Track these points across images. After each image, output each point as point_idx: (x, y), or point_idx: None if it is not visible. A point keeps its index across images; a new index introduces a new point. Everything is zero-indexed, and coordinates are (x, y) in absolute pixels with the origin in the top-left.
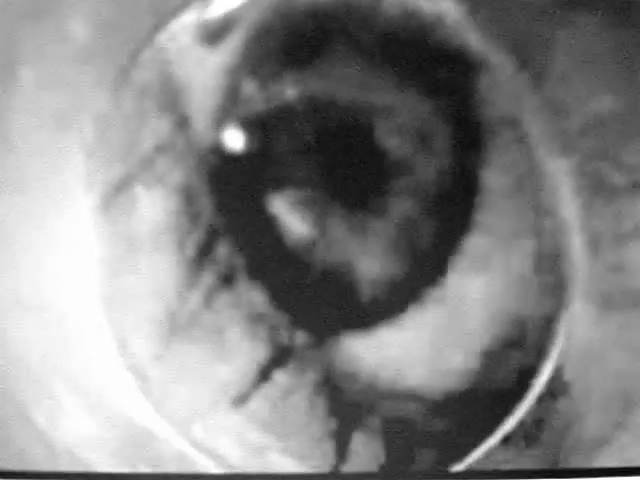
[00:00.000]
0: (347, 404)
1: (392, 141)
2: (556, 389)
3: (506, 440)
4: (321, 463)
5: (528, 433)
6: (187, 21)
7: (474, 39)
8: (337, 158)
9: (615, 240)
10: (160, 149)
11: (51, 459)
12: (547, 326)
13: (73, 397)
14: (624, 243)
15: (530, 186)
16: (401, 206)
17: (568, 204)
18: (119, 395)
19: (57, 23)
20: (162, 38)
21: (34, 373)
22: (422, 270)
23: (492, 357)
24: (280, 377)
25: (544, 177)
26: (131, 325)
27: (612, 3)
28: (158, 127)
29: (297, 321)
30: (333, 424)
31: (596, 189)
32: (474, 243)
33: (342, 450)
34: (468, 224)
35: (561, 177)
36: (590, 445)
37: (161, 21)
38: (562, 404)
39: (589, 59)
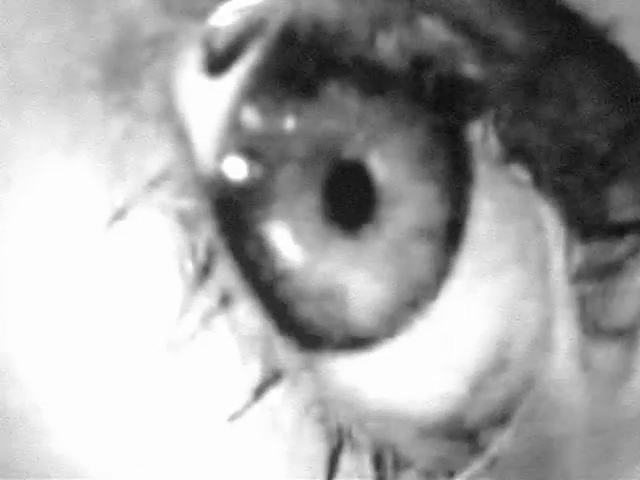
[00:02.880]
0: (337, 425)
1: (385, 170)
2: (537, 414)
3: (492, 464)
4: None
5: (512, 456)
6: (190, 51)
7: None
8: (333, 187)
9: (598, 274)
10: (164, 176)
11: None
12: (532, 353)
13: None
14: (606, 278)
15: (518, 217)
16: (393, 234)
17: (553, 238)
18: (112, 411)
19: None
20: (165, 67)
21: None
22: (413, 295)
23: (480, 382)
24: (272, 398)
25: (532, 214)
26: (128, 346)
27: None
28: (162, 154)
29: (290, 343)
30: (323, 445)
31: (577, 227)
32: (464, 270)
33: (331, 471)
34: (459, 251)
35: (547, 213)
36: (578, 473)
37: (164, 50)
38: (543, 429)
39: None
